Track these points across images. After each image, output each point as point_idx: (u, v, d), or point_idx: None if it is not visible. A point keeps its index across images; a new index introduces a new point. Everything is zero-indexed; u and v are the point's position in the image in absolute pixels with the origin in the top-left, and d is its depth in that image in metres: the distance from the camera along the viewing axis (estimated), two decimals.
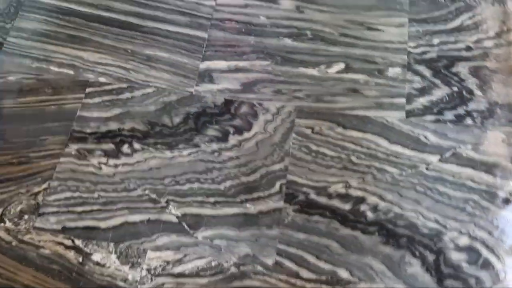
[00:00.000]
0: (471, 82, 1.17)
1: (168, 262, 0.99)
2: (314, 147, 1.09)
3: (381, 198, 1.03)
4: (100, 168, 1.07)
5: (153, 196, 1.04)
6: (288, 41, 1.23)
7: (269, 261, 0.99)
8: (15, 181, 1.06)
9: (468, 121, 1.12)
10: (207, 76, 1.19)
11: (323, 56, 1.21)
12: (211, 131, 1.11)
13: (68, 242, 1.00)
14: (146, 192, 1.04)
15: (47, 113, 1.14)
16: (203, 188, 1.05)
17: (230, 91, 1.17)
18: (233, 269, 0.99)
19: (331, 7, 1.28)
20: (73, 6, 1.29)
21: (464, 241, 1.00)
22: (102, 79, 1.19)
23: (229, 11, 1.28)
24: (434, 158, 1.08)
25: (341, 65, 1.20)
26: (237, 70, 1.20)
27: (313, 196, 1.04)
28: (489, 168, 1.07)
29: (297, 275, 0.98)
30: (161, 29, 1.26)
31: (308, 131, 1.11)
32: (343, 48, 1.22)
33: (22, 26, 1.26)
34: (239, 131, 1.12)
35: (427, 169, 1.06)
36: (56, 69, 1.20)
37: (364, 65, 1.20)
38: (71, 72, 1.20)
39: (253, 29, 1.25)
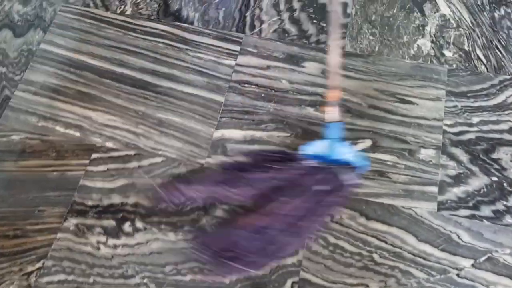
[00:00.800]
0: None
1: None
2: (332, 240, 0.99)
3: None
4: (98, 249, 0.99)
5: (152, 286, 0.95)
6: (310, 111, 1.13)
7: None
8: (8, 257, 0.99)
9: (508, 219, 1.00)
10: (220, 146, 1.10)
11: (348, 130, 1.11)
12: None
13: None
14: (145, 280, 0.96)
15: (48, 180, 1.07)
16: (206, 281, 0.95)
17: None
18: None
19: (361, 73, 1.17)
20: (86, 58, 1.22)
21: None
22: (109, 144, 1.11)
23: (249, 73, 1.19)
24: (466, 263, 0.96)
25: (368, 142, 1.09)
26: (253, 141, 1.11)
27: None
28: None
29: None
30: (176, 89, 1.17)
31: (327, 219, 1.01)
32: (371, 122, 1.11)
33: (32, 79, 1.20)
34: None
35: (458, 275, 0.94)
36: (62, 129, 1.13)
37: (394, 144, 1.08)
38: (78, 134, 1.12)
39: (274, 95, 1.16)
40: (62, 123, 1.14)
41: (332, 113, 0.95)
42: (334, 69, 0.93)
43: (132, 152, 1.10)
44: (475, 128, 1.10)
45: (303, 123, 1.12)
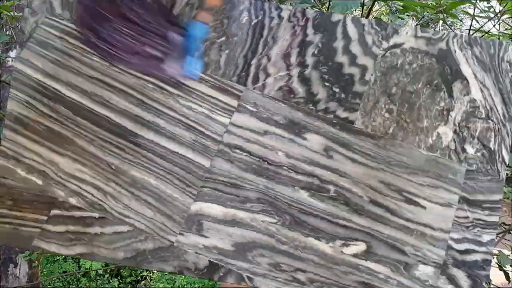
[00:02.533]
0: None
1: None
2: None
3: None
4: None
5: None
6: (304, 195, 1.00)
7: None
8: None
9: None
10: (196, 223, 0.98)
11: (342, 226, 0.98)
12: None
13: None
14: None
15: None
16: None
17: (219, 251, 0.96)
18: None
19: (368, 157, 1.03)
20: (63, 89, 1.08)
21: None
22: (72, 200, 0.99)
23: (243, 136, 1.05)
24: None
25: (362, 246, 0.97)
26: (234, 223, 0.98)
27: None
28: None
29: None
30: (158, 144, 1.04)
31: None
32: (369, 221, 0.99)
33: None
34: None
35: None
36: (23, 173, 1.01)
37: (390, 253, 0.96)
38: (40, 182, 1.00)
39: (266, 168, 1.02)
40: (25, 166, 1.01)
41: (206, 16, 1.02)
42: None
43: (96, 215, 0.98)
44: (483, 249, 0.97)
45: (294, 209, 0.99)
